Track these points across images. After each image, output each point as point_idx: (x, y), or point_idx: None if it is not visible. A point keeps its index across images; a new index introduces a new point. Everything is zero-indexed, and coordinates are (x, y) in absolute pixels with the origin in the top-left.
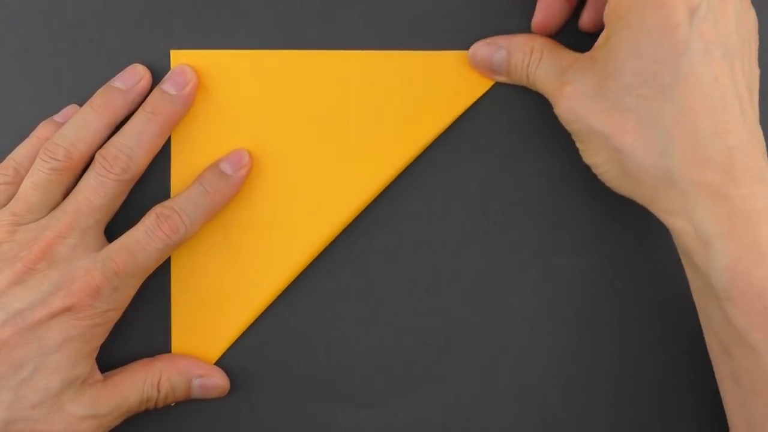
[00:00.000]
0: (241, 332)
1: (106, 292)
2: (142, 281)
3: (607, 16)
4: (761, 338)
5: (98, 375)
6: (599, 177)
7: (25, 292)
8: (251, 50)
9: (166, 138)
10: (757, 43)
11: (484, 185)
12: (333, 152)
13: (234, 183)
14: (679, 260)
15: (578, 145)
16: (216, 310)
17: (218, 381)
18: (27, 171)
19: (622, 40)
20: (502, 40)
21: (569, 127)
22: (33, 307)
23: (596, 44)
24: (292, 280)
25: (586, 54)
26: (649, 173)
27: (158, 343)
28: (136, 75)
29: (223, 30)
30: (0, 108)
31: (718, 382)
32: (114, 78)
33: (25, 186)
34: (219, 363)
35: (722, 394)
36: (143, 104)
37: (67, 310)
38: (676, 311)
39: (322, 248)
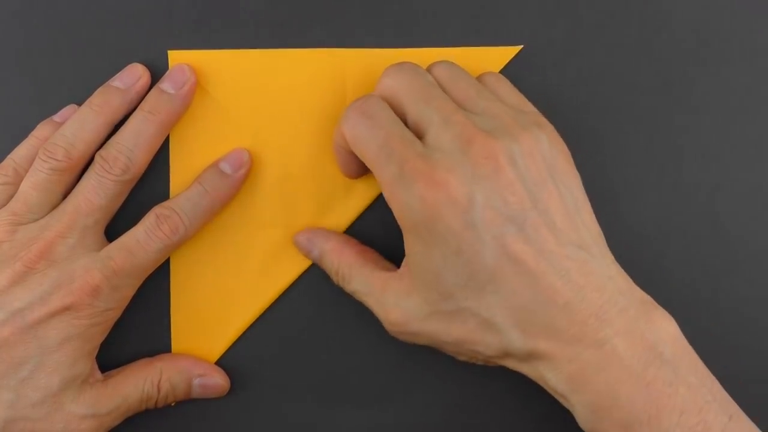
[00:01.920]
0: (241, 332)
1: (106, 292)
2: (142, 281)
3: (400, 225)
4: None
5: (98, 374)
6: None
7: (25, 292)
8: (249, 50)
9: (165, 137)
10: (564, 157)
11: None
12: (333, 151)
13: (234, 183)
14: (678, 260)
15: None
16: (216, 310)
17: (218, 381)
18: (26, 171)
19: (426, 254)
20: (319, 241)
21: (416, 343)
22: (32, 306)
23: (406, 253)
24: (292, 280)
25: (399, 271)
26: (504, 355)
27: (158, 343)
28: (135, 74)
29: (221, 30)
30: (0, 108)
31: None
32: (113, 77)
33: (25, 186)
34: (219, 363)
35: None
36: (141, 104)
37: (66, 309)
38: (675, 311)
39: None
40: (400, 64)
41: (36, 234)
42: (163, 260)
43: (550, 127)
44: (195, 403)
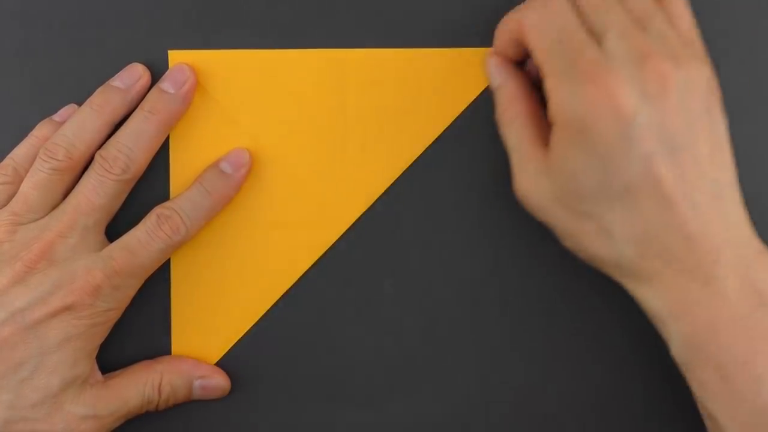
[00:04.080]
0: (242, 333)
1: (107, 291)
2: (143, 281)
3: (551, 119)
4: (719, 408)
5: (99, 375)
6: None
7: (25, 291)
8: (249, 50)
9: (165, 137)
10: (717, 97)
11: (484, 186)
12: (333, 151)
13: (234, 183)
14: None
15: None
16: (216, 311)
17: (219, 382)
18: (26, 170)
19: (571, 151)
20: (506, 74)
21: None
22: (33, 305)
23: (551, 146)
24: (293, 281)
25: (548, 149)
26: (611, 263)
27: (158, 343)
28: (135, 74)
29: (222, 30)
30: (0, 108)
31: None
32: (113, 77)
33: (26, 186)
34: (219, 363)
35: None
36: (141, 103)
37: (67, 308)
38: None
39: (323, 249)
40: None
41: (36, 234)
42: (164, 260)
43: (711, 69)
44: (195, 403)
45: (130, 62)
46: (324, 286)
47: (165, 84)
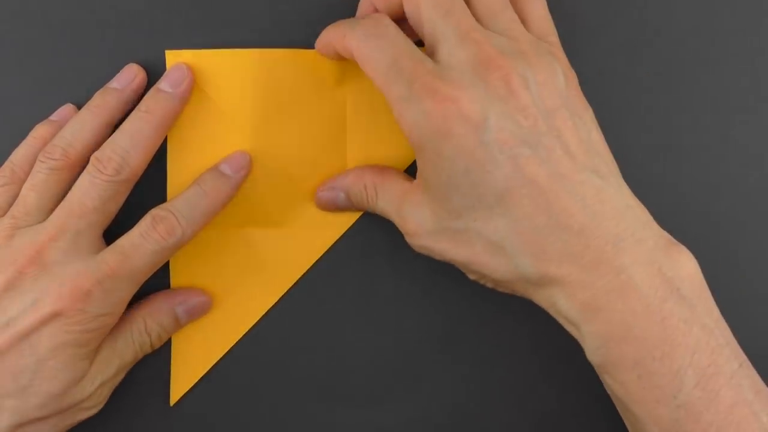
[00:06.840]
0: (242, 334)
1: (98, 296)
2: (138, 286)
3: (410, 143)
4: (640, 407)
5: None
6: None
7: (16, 298)
8: (247, 49)
9: (163, 137)
10: (575, 88)
11: None
12: (333, 151)
13: (233, 184)
14: None
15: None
16: (216, 311)
17: (197, 300)
18: (24, 171)
19: (434, 172)
20: (338, 183)
21: (433, 257)
22: (24, 313)
23: (417, 169)
24: (293, 281)
25: (415, 183)
26: (515, 280)
27: None
28: (131, 74)
29: (221, 30)
30: (0, 108)
31: None
32: (112, 80)
33: (25, 188)
34: (218, 364)
35: None
36: (138, 104)
37: (56, 315)
38: None
39: (323, 249)
40: None
41: (30, 238)
42: (161, 264)
43: (566, 61)
44: (195, 403)
45: (129, 62)
46: (323, 286)
47: (162, 84)
